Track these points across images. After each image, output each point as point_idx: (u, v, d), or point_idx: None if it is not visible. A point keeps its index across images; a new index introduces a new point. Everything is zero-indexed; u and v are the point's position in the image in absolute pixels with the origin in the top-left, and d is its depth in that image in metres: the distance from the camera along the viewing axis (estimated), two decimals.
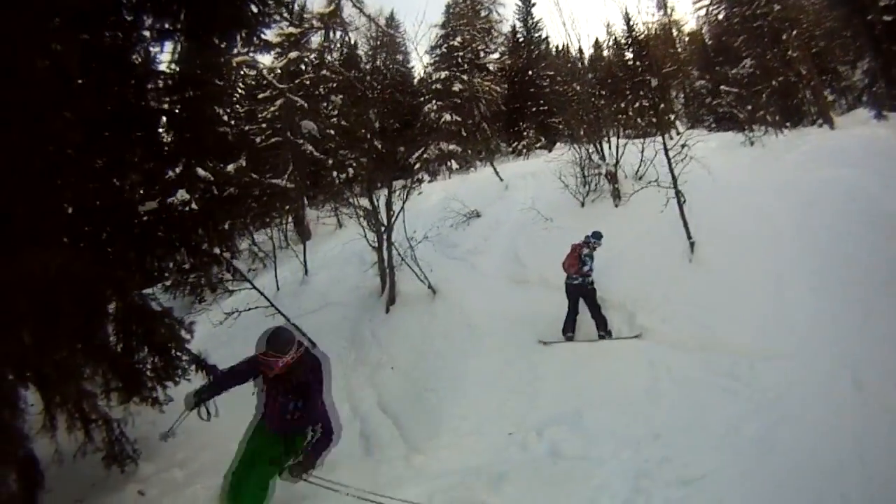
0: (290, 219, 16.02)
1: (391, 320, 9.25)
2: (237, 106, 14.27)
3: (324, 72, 17.45)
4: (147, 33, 5.34)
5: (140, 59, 5.45)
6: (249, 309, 8.97)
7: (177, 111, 5.90)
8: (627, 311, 7.99)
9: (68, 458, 5.84)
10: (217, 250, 6.10)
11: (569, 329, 7.95)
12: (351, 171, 11.88)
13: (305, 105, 16.23)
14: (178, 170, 6.02)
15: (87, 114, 4.82)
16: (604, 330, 7.82)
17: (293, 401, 4.92)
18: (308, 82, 17.29)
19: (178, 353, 6.01)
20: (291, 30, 16.80)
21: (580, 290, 7.99)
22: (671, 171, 9.23)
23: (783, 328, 6.86)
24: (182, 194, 6.07)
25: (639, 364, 6.90)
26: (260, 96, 16.81)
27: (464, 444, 6.06)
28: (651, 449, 5.38)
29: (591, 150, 12.06)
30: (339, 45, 19.36)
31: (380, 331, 9.01)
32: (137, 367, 5.74)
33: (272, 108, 16.46)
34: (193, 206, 6.10)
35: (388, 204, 9.87)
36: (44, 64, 4.39)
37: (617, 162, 11.60)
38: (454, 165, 21.60)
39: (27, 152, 4.36)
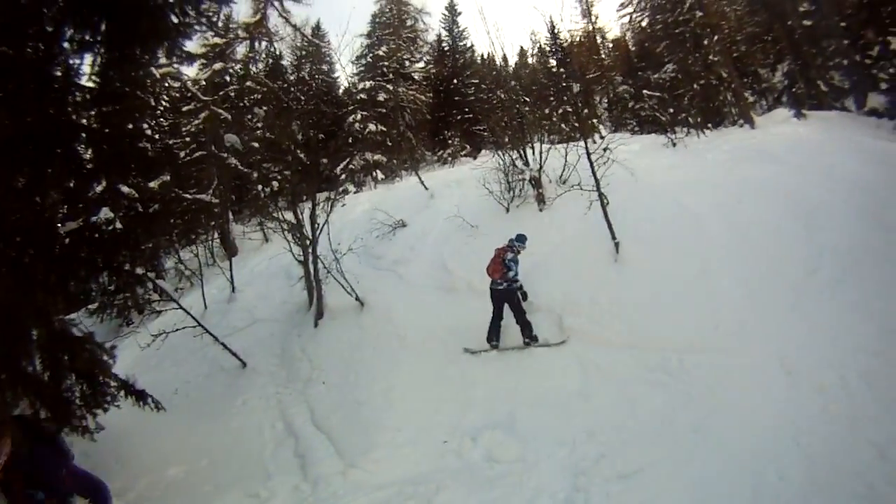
0: (215, 235, 15.60)
1: (320, 334, 9.18)
2: (161, 119, 13.85)
3: (248, 83, 17.14)
4: (67, 45, 5.17)
5: (61, 73, 5.26)
6: (177, 329, 8.73)
7: (98, 126, 5.73)
8: (555, 314, 8.06)
9: None
10: (141, 270, 5.93)
11: (493, 337, 7.93)
12: (276, 184, 11.68)
13: (230, 117, 15.89)
14: (100, 187, 5.84)
15: (4, 129, 4.62)
16: (528, 336, 7.82)
17: (31, 493, 4.31)
18: (233, 94, 16.94)
19: (106, 380, 5.84)
20: (216, 40, 16.41)
21: (504, 295, 7.96)
22: (594, 174, 9.35)
23: (711, 321, 7.04)
24: (105, 212, 5.88)
25: (569, 365, 7.01)
26: (184, 109, 16.34)
27: (400, 455, 6.07)
28: (587, 447, 5.49)
29: (514, 157, 12.15)
30: (264, 56, 19.06)
31: (309, 346, 8.93)
32: (65, 395, 5.55)
33: (196, 122, 16.03)
34: (118, 224, 5.93)
35: (313, 217, 9.79)
36: None
37: (541, 167, 11.70)
38: (379, 176, 21.50)
39: None
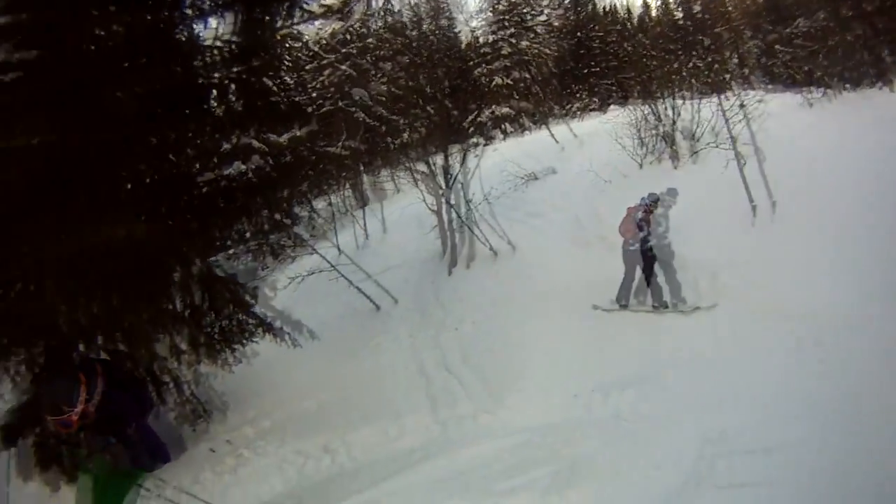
0: (347, 185, 16.18)
1: (453, 282, 9.28)
2: (287, 77, 14.43)
3: (370, 40, 17.43)
4: (189, 11, 5.41)
5: (185, 37, 5.50)
6: (312, 273, 9.14)
7: (228, 84, 5.92)
8: (689, 278, 7.67)
9: None
10: (278, 216, 6.20)
11: (623, 297, 7.72)
12: (405, 136, 11.89)
13: (354, 73, 16.30)
14: (233, 142, 6.12)
15: (138, 92, 4.92)
16: (658, 301, 7.55)
17: (103, 436, 4.54)
18: (355, 51, 17.29)
19: (245, 318, 6.18)
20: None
21: (637, 256, 7.67)
22: (729, 132, 8.93)
23: (862, 295, 6.32)
24: (238, 166, 6.17)
25: (703, 331, 6.71)
26: (308, 67, 16.90)
27: (530, 404, 6.02)
28: (716, 416, 5.15)
29: (646, 111, 11.73)
30: (381, 13, 19.24)
31: (442, 292, 9.03)
32: (206, 331, 5.93)
33: (321, 78, 16.58)
34: (251, 176, 6.19)
35: (446, 167, 9.84)
36: (89, 48, 4.51)
37: (673, 123, 11.29)
38: (508, 128, 21.41)
39: (86, 132, 4.54)
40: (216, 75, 5.87)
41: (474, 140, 11.53)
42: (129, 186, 5.04)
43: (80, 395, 4.15)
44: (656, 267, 7.64)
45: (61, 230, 4.61)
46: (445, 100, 10.41)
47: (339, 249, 11.16)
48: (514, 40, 23.97)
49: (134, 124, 5.04)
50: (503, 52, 23.44)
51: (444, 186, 9.88)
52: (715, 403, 5.36)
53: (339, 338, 7.87)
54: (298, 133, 6.81)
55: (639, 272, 7.70)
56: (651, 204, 7.83)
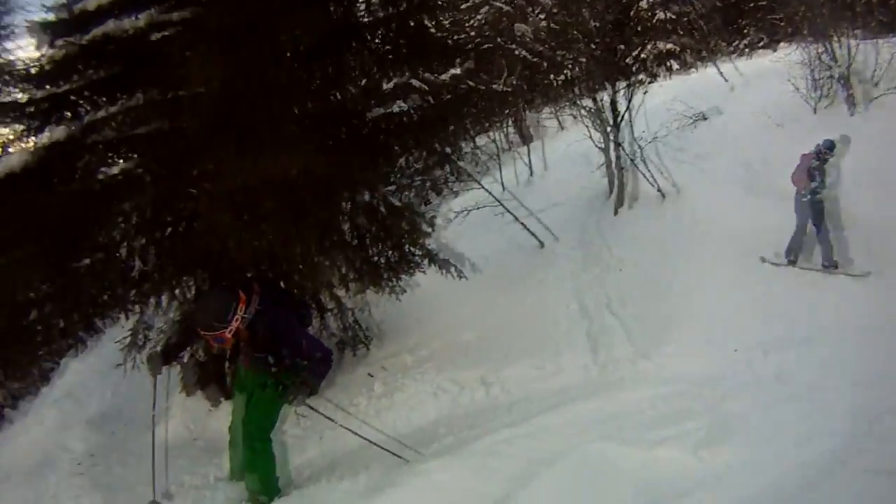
0: (510, 122, 16.15)
1: (619, 222, 9.11)
2: (444, 17, 14.44)
3: None
4: None
5: None
6: (478, 207, 9.28)
7: (390, 23, 6.07)
8: (863, 238, 7.23)
9: None
10: (442, 152, 6.28)
11: (792, 251, 7.33)
12: (568, 72, 11.61)
13: (511, 10, 16.05)
14: (394, 81, 6.23)
15: (304, 32, 5.10)
16: (828, 259, 7.10)
17: (262, 358, 4.55)
18: None
19: (412, 248, 6.39)
20: None
21: (808, 207, 7.24)
22: None
23: None
24: (400, 104, 6.27)
25: (876, 297, 6.30)
26: (463, 7, 16.81)
27: (689, 354, 5.92)
28: (876, 394, 4.82)
29: (819, 51, 10.73)
30: None
31: (608, 232, 8.90)
32: (373, 260, 6.18)
33: (478, 16, 16.48)
34: (412, 114, 6.29)
35: (613, 103, 9.59)
36: None
37: (850, 65, 10.25)
38: (674, 65, 20.35)
39: (259, 69, 4.83)
40: (379, 14, 6.03)
41: (639, 77, 10.97)
42: (298, 123, 5.28)
43: (236, 313, 4.19)
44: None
45: (236, 164, 4.91)
46: (607, 35, 9.96)
47: (502, 185, 11.19)
48: None
49: (300, 64, 5.26)
50: None
51: (611, 123, 9.62)
52: (876, 380, 5.00)
53: (501, 273, 7.98)
54: (458, 71, 6.78)
55: (810, 226, 7.26)
56: (826, 151, 7.35)
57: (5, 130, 6.07)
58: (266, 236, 5.22)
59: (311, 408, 4.87)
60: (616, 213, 9.37)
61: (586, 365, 6.07)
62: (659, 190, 9.20)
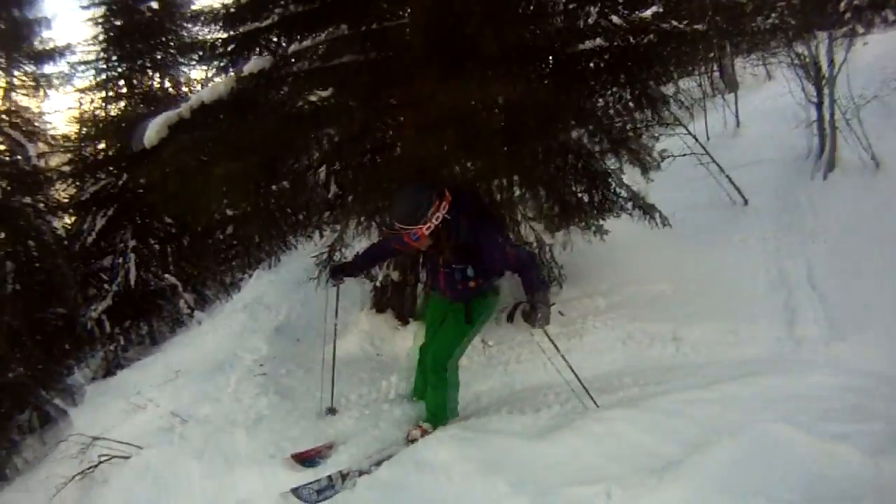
0: (713, 67, 15.10)
1: (828, 188, 8.18)
2: None
3: None
4: None
5: None
6: (683, 155, 8.76)
7: None
8: None
9: None
10: (648, 90, 5.96)
11: None
12: (774, 16, 10.59)
13: None
14: (591, 18, 5.91)
15: None
16: None
17: (461, 269, 4.28)
18: None
19: (617, 189, 6.17)
20: None
21: None
22: None
23: None
24: (599, 42, 5.95)
25: None
26: None
27: (887, 345, 5.14)
28: None
29: None
30: None
31: (815, 197, 8.04)
32: (577, 196, 6.03)
33: None
34: (611, 53, 5.94)
35: (830, 53, 8.63)
36: None
37: None
38: (890, 16, 17.87)
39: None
40: None
41: (852, 25, 9.74)
42: (506, 54, 5.08)
43: (437, 210, 3.98)
44: None
45: (447, 92, 4.86)
46: None
47: (707, 136, 10.52)
48: None
49: None
50: None
51: (826, 76, 8.68)
52: None
53: (697, 227, 7.52)
54: (656, 9, 6.32)
55: None
56: None
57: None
58: (469, 164, 5.21)
59: (549, 336, 4.69)
60: (825, 177, 8.43)
61: (779, 338, 5.53)
62: (873, 158, 8.13)
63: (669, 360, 5.44)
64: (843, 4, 9.65)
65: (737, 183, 8.54)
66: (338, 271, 4.86)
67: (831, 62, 8.63)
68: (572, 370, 4.62)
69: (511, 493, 3.61)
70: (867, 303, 5.67)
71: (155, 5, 16.32)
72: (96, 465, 6.21)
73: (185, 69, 17.30)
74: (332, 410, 5.18)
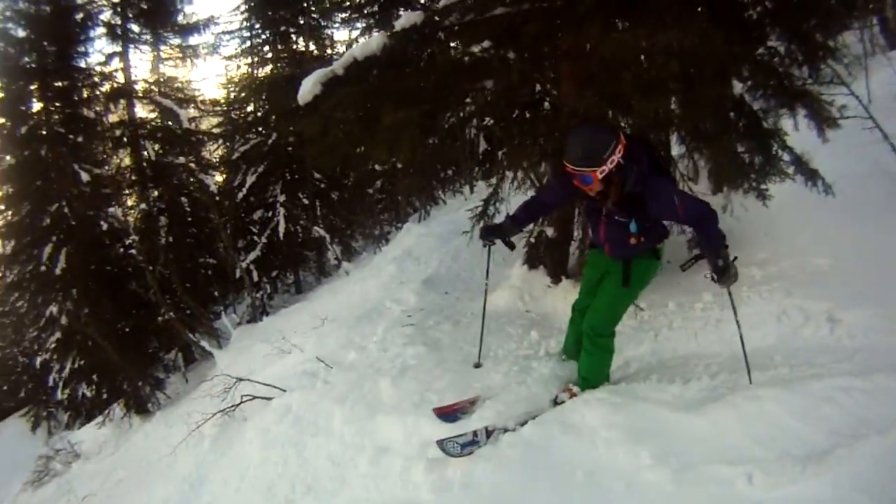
0: (873, 21, 13.68)
1: None
2: None
3: None
4: None
5: None
6: (845, 118, 7.92)
7: None
8: None
9: None
10: (819, 39, 5.47)
11: None
12: None
13: None
14: None
15: None
16: None
17: (625, 224, 4.08)
18: None
19: (780, 152, 5.79)
20: None
21: None
22: None
23: None
24: None
25: None
26: None
27: None
28: None
29: None
30: None
31: None
32: (741, 156, 5.72)
33: None
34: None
35: None
36: None
37: None
38: None
39: None
40: None
41: None
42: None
43: (613, 154, 3.79)
44: None
45: (626, 36, 4.72)
46: None
47: (869, 98, 9.54)
48: None
49: None
50: None
51: None
52: None
53: (860, 199, 6.79)
54: None
55: None
56: None
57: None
58: (629, 119, 5.01)
59: (731, 300, 4.49)
60: None
61: None
62: None
63: (823, 342, 5.04)
64: None
65: None
66: (490, 232, 4.77)
67: None
68: (742, 342, 4.42)
69: (653, 466, 3.58)
70: None
71: None
72: (238, 404, 6.64)
73: (330, 31, 17.82)
74: (479, 365, 5.20)
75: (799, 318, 5.32)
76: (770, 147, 5.68)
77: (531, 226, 6.26)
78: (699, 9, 4.87)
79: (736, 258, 4.23)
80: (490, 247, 4.93)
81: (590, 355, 4.53)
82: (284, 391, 6.11)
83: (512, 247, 4.95)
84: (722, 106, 5.24)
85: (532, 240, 6.60)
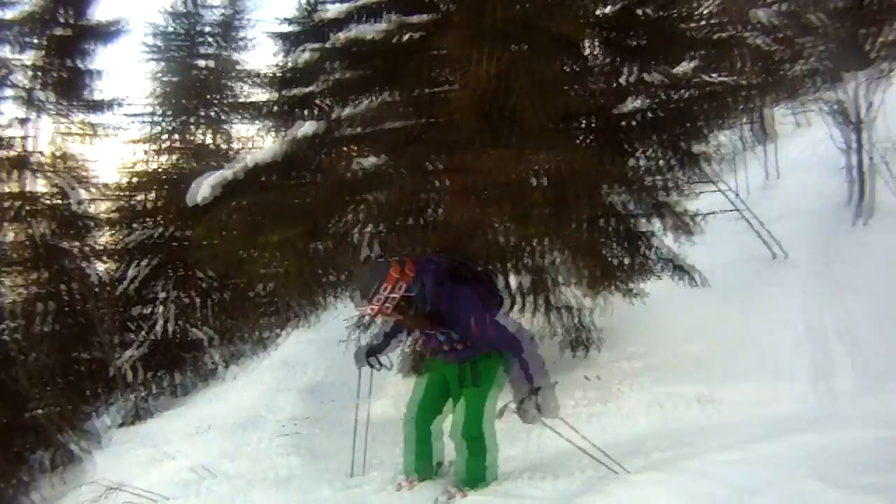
0: (745, 120, 15.14)
1: (867, 236, 8.11)
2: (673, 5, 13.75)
3: None
4: None
5: None
6: (715, 213, 8.38)
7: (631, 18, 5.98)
8: None
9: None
10: (677, 151, 6.06)
11: None
12: (806, 62, 10.67)
13: None
14: (632, 76, 6.06)
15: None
16: None
17: (444, 333, 4.24)
18: None
19: (647, 252, 6.23)
20: None
21: None
22: None
23: None
24: (631, 102, 6.09)
25: None
26: None
27: None
28: None
29: None
30: None
31: (853, 247, 7.96)
32: (611, 261, 6.09)
33: (708, 3, 15.57)
34: (647, 111, 6.10)
35: (860, 96, 8.65)
36: None
37: None
38: None
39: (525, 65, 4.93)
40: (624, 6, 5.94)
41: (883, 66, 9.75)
42: (553, 118, 5.25)
43: (382, 290, 3.92)
44: None
45: (499, 158, 5.03)
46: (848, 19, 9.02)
47: (747, 189, 10.46)
48: None
49: (540, 61, 5.24)
50: None
51: (854, 121, 8.70)
52: None
53: (735, 284, 7.47)
54: (697, 63, 6.49)
55: None
56: None
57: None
58: (511, 229, 5.31)
59: (564, 421, 4.63)
60: (866, 223, 8.41)
61: (805, 394, 5.55)
62: None
63: (703, 422, 5.43)
64: (877, 43, 9.58)
65: (775, 236, 8.47)
66: (368, 354, 4.72)
67: (869, 105, 8.62)
68: (586, 439, 4.61)
69: None
70: None
71: (211, 64, 17.11)
72: None
73: (236, 126, 17.97)
74: (362, 473, 5.17)
75: (679, 402, 5.70)
76: (647, 248, 6.15)
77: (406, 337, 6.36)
78: (571, 130, 5.32)
79: (556, 383, 4.42)
80: (363, 368, 4.87)
81: (476, 457, 4.50)
82: (167, 499, 5.82)
83: (388, 366, 4.91)
84: (592, 218, 5.62)
85: (407, 349, 6.69)
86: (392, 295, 3.94)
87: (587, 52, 5.95)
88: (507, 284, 6.19)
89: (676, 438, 5.07)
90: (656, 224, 6.30)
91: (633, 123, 6.03)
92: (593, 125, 5.83)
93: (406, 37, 5.65)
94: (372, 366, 4.69)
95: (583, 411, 5.82)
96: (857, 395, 5.36)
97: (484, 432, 4.48)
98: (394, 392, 6.79)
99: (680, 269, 6.38)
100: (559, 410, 4.30)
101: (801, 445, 4.50)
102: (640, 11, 6.03)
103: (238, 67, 17.54)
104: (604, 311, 6.47)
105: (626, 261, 6.18)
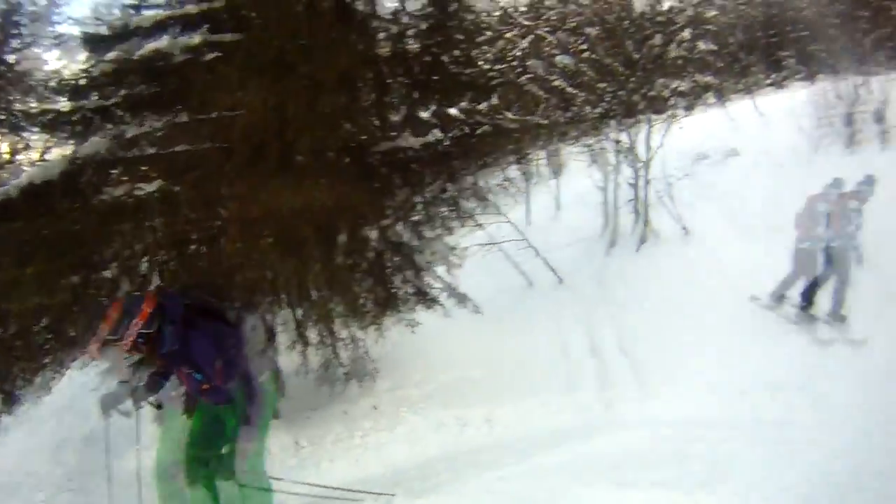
0: (540, 154, 16.05)
1: (641, 260, 9.13)
2: (484, 47, 14.48)
3: (572, 6, 17.03)
4: None
5: (363, 8, 5.72)
6: (499, 243, 9.18)
7: (421, 56, 6.15)
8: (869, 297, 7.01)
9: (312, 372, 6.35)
10: (447, 188, 6.36)
11: (779, 292, 7.16)
12: (578, 109, 11.67)
13: (555, 40, 16.08)
14: (407, 113, 6.31)
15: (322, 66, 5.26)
16: (835, 316, 6.82)
17: (188, 374, 4.11)
18: (555, 17, 16.97)
19: (429, 281, 6.47)
20: None
21: (809, 257, 6.94)
22: None
23: None
24: (436, 134, 6.32)
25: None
26: (507, 35, 16.86)
27: (696, 396, 5.91)
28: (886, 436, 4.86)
29: (827, 88, 10.99)
30: None
31: (628, 270, 8.90)
32: (392, 291, 6.24)
33: (521, 46, 16.52)
34: (420, 148, 6.30)
35: (645, 139, 9.74)
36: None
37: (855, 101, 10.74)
38: (710, 99, 20.19)
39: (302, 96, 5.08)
40: (400, 47, 6.09)
41: (673, 112, 11.00)
42: (308, 153, 5.37)
43: (130, 327, 3.79)
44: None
45: (250, 194, 5.12)
46: (622, 74, 10.04)
47: (528, 220, 11.08)
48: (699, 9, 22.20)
49: (316, 96, 5.37)
50: (707, 14, 21.80)
51: (614, 162, 9.82)
52: (874, 427, 5.03)
53: (513, 309, 7.98)
54: (479, 105, 6.90)
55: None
56: (865, 188, 6.79)
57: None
58: (269, 266, 5.35)
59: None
60: (638, 250, 9.41)
61: (590, 404, 6.11)
62: (683, 228, 9.33)
63: (483, 442, 5.73)
64: (667, 91, 10.75)
65: (555, 262, 9.18)
66: (109, 400, 4.14)
67: (627, 149, 9.72)
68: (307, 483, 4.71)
69: None
70: (676, 360, 6.40)
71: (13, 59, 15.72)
72: None
73: (28, 134, 16.48)
74: None
75: (457, 425, 6.01)
76: (419, 279, 6.37)
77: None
78: (344, 164, 5.49)
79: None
80: (108, 420, 4.25)
81: (251, 501, 4.36)
82: None
83: (127, 415, 4.33)
84: (363, 252, 5.82)
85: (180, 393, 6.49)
86: (129, 332, 3.79)
87: (365, 88, 6.05)
88: (275, 318, 6.19)
89: (464, 459, 5.34)
90: (435, 255, 6.55)
91: (424, 156, 6.25)
92: (371, 159, 6.00)
93: (209, 56, 5.44)
94: (109, 416, 4.15)
95: (370, 441, 5.97)
96: (640, 400, 6.00)
97: (261, 470, 4.43)
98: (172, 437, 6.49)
99: (456, 297, 6.69)
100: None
101: (589, 452, 4.99)
102: (413, 52, 6.18)
103: (45, 68, 16.09)
104: (380, 341, 6.60)
105: (401, 292, 6.36)
